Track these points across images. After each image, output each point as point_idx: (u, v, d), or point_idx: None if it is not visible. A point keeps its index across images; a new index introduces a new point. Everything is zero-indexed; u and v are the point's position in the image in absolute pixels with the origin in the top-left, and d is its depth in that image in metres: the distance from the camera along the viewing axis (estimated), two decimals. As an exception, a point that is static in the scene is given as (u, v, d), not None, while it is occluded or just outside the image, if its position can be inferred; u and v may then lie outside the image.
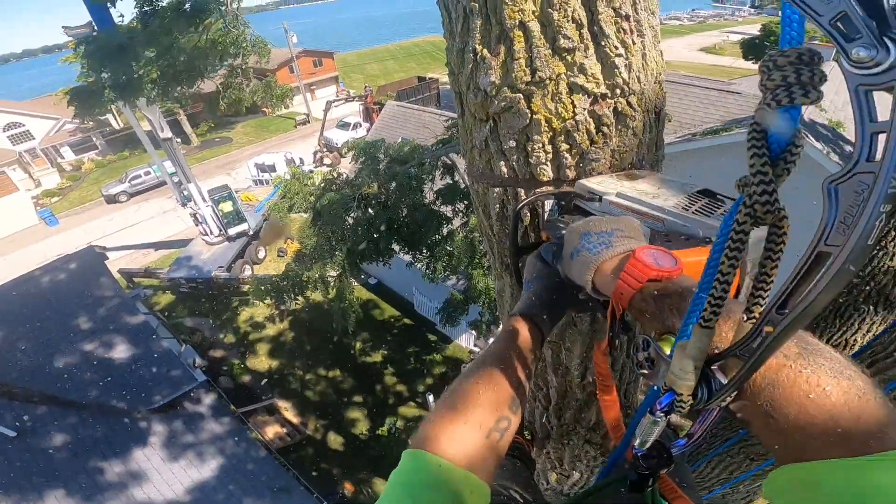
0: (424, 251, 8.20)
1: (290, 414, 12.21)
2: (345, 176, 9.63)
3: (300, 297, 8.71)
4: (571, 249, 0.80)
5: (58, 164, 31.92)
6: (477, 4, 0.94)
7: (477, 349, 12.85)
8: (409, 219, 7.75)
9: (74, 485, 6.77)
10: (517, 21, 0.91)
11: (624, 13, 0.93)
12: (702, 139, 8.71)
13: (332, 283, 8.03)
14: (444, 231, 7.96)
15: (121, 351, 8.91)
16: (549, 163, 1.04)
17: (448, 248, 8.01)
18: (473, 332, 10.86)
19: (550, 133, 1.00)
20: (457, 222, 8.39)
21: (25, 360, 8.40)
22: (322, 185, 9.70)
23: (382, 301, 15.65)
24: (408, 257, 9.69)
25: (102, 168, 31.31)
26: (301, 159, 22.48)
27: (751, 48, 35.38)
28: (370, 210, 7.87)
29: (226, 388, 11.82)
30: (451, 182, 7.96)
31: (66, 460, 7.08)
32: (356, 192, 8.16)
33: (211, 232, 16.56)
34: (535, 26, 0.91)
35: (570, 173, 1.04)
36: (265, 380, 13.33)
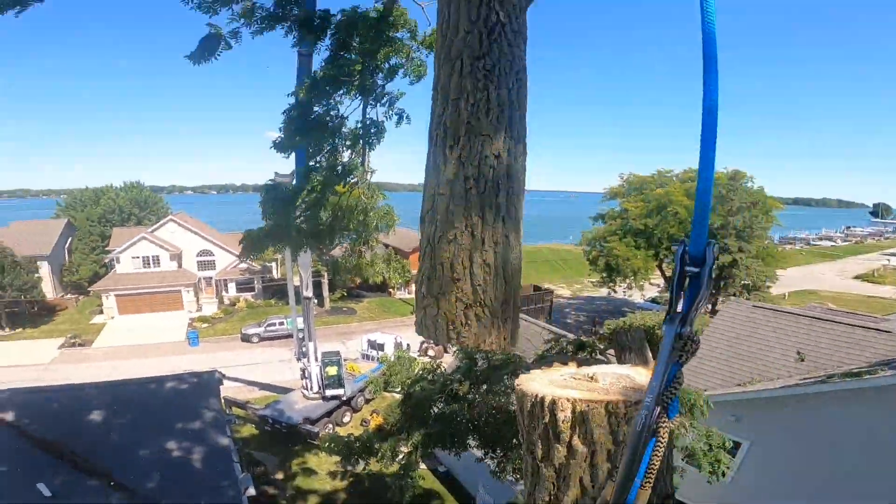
0: (498, 451, 8.12)
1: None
2: (443, 369, 10.35)
3: (367, 463, 8.82)
4: None
5: (220, 296, 38.29)
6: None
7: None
8: (492, 419, 7.93)
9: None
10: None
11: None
12: (839, 382, 7.91)
13: (400, 459, 8.09)
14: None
15: (192, 460, 9.53)
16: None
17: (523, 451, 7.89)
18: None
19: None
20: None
21: (110, 443, 9.41)
22: (420, 373, 10.49)
23: (446, 490, 15.34)
24: (480, 453, 9.51)
25: (251, 309, 36.53)
26: (409, 345, 24.10)
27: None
28: (456, 404, 8.23)
29: None
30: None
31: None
32: (447, 386, 8.72)
33: (311, 388, 17.99)
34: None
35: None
36: None
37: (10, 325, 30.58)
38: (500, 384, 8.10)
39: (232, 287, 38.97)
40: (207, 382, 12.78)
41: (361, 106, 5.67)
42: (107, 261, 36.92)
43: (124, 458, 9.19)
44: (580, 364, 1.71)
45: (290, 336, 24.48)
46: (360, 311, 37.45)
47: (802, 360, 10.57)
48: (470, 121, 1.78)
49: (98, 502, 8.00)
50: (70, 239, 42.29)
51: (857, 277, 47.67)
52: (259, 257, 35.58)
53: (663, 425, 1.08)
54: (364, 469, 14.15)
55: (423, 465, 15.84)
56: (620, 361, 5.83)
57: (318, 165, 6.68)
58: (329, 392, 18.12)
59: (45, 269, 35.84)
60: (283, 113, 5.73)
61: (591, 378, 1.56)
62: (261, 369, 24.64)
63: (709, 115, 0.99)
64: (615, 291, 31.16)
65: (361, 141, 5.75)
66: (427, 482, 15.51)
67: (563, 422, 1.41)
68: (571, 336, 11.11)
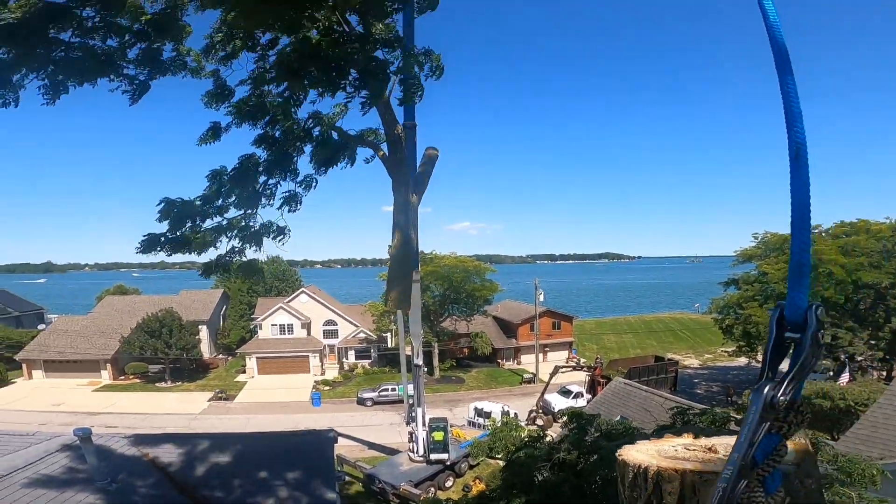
0: None
1: None
2: (550, 437, 9.79)
3: None
4: None
5: (341, 362, 41.11)
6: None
7: None
8: (600, 491, 7.24)
9: None
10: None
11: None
12: None
13: None
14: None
15: None
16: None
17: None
18: None
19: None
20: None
21: (234, 488, 10.17)
22: (525, 440, 10.05)
23: None
24: None
25: (367, 375, 38.48)
26: (516, 413, 23.19)
27: None
28: (562, 472, 7.67)
29: None
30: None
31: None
32: (553, 454, 8.20)
33: (417, 451, 18.14)
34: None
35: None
36: None
37: (172, 378, 35.93)
38: (614, 454, 7.42)
39: (351, 354, 41.85)
40: (324, 440, 13.54)
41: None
42: (252, 327, 42.23)
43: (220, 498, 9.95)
44: (697, 435, 1.55)
45: (401, 401, 25.16)
46: (469, 380, 37.26)
47: None
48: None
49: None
50: (224, 307, 49.42)
51: None
52: (377, 327, 37.97)
53: (757, 499, 0.98)
54: None
55: None
56: None
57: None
58: (434, 456, 18.11)
59: (204, 332, 41.90)
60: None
61: (709, 449, 1.40)
62: (372, 431, 25.35)
63: (797, 160, 0.99)
64: (756, 361, 28.13)
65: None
66: None
67: (669, 494, 1.28)
68: (700, 407, 9.83)
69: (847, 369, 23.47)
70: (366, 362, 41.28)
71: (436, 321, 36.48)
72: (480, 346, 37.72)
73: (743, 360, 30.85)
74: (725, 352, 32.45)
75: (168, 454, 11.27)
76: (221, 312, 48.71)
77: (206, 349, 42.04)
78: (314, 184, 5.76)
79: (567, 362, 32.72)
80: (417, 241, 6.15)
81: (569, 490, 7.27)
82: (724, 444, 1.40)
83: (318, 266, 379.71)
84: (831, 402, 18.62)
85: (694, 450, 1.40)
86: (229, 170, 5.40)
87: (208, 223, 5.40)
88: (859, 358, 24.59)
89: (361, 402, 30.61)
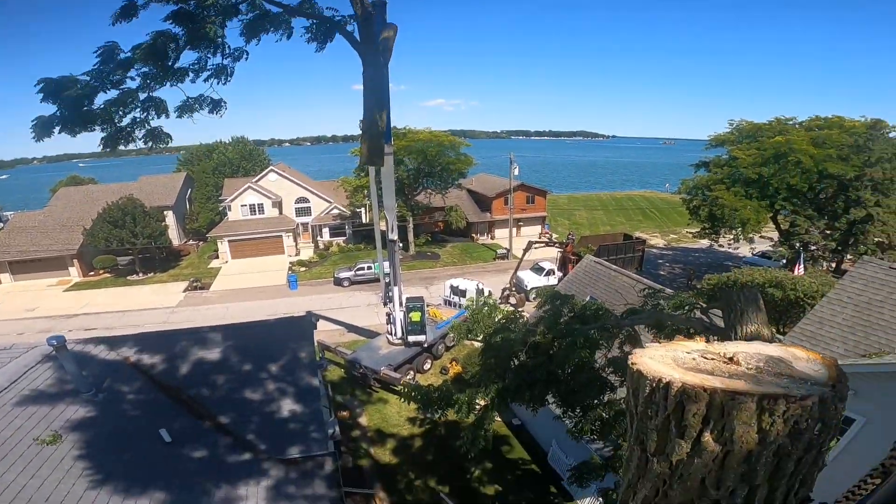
0: (577, 410, 7.91)
1: (386, 508, 12.26)
2: (525, 319, 9.95)
3: (444, 414, 8.96)
4: None
5: (316, 241, 41.13)
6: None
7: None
8: (572, 377, 7.56)
9: (182, 489, 7.93)
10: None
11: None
12: None
13: (476, 410, 8.10)
14: (605, 398, 7.70)
15: (287, 403, 10.50)
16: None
17: (604, 414, 7.72)
18: (601, 499, 10.11)
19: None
20: (621, 393, 7.76)
21: (218, 387, 10.56)
22: (502, 321, 10.17)
23: (517, 442, 15.48)
24: (558, 410, 9.21)
25: (343, 253, 38.91)
26: (490, 292, 23.97)
27: None
28: (538, 358, 7.87)
29: (343, 466, 12.67)
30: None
31: (190, 471, 8.37)
32: (529, 337, 8.32)
33: (395, 334, 18.70)
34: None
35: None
36: (379, 471, 14.06)
37: (143, 269, 35.50)
38: (586, 339, 7.53)
39: (326, 232, 41.65)
40: (303, 326, 13.77)
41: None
42: (221, 209, 40.92)
43: (230, 401, 10.25)
44: (709, 340, 1.36)
45: (377, 281, 25.51)
46: (444, 255, 38.20)
47: None
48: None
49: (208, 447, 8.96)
50: (189, 190, 47.34)
51: None
52: (350, 203, 37.72)
53: None
54: (440, 418, 14.70)
55: (498, 418, 16.11)
56: (727, 324, 4.98)
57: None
58: (411, 338, 18.68)
59: (170, 218, 40.63)
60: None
61: (731, 360, 1.21)
62: (351, 313, 26.30)
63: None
64: (718, 244, 29.63)
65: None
66: (501, 432, 15.86)
67: (693, 415, 1.11)
68: (669, 291, 10.00)
69: (801, 258, 24.57)
70: (340, 239, 41.50)
71: (410, 195, 36.32)
72: (455, 219, 38.21)
73: (705, 243, 31.96)
74: (690, 233, 33.67)
75: (149, 356, 11.24)
76: (187, 196, 46.81)
77: (174, 236, 41.14)
78: (244, 56, 5.61)
79: (540, 237, 33.25)
80: (389, 107, 6.40)
81: (543, 375, 7.48)
82: (744, 353, 1.23)
83: (287, 144, 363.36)
84: (783, 291, 18.82)
85: (713, 359, 1.22)
86: (141, 46, 5.10)
87: (103, 97, 5.28)
88: (812, 247, 25.74)
89: (338, 282, 31.18)
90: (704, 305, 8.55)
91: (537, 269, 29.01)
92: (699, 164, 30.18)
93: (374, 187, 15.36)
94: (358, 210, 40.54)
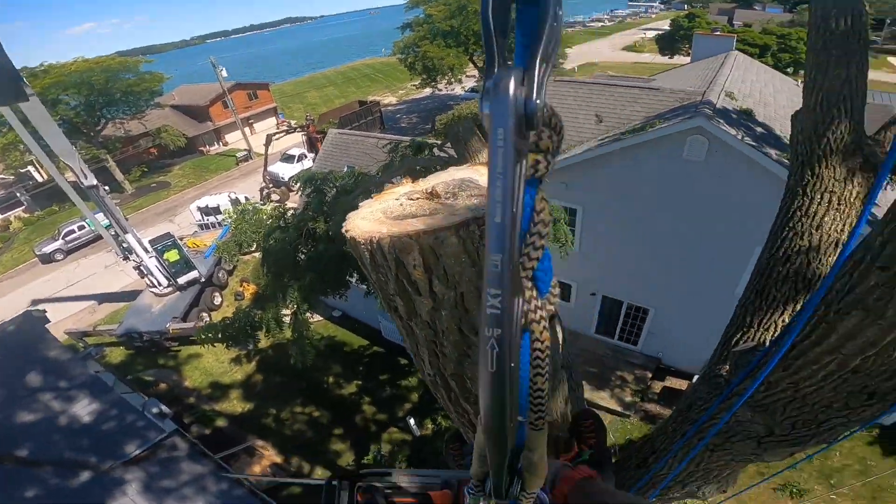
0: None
1: (272, 453, 12.00)
2: (293, 211, 9.62)
3: (258, 339, 8.59)
4: None
5: (-21, 228, 29.74)
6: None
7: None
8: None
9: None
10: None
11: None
12: (629, 137, 9.34)
13: (287, 322, 7.94)
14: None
15: (80, 409, 8.55)
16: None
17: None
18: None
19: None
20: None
21: None
22: (270, 221, 9.65)
23: (349, 332, 15.63)
24: (364, 285, 9.74)
25: (32, 226, 29.44)
26: (247, 198, 21.91)
27: (665, 43, 38.16)
28: (320, 245, 7.89)
29: (200, 436, 11.51)
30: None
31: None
32: (303, 227, 8.19)
33: (159, 283, 15.87)
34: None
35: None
36: (240, 423, 13.04)
37: None
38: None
39: (-12, 210, 30.24)
40: (27, 328, 10.69)
41: None
42: None
43: (9, 432, 7.78)
44: (414, 179, 1.29)
45: (101, 238, 20.42)
46: (174, 180, 32.69)
47: (601, 122, 11.86)
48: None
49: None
50: None
51: (624, 49, 56.26)
52: (6, 166, 27.80)
53: (537, 312, 0.54)
54: (257, 344, 13.50)
55: (317, 318, 15.91)
56: (459, 156, 5.78)
57: None
58: (182, 279, 16.22)
59: None
60: None
61: (431, 194, 1.14)
62: (89, 285, 21.02)
63: None
64: (438, 89, 33.79)
65: None
66: (328, 331, 15.77)
67: (414, 268, 1.04)
68: (408, 139, 10.81)
69: None
70: (19, 210, 31.06)
71: (93, 132, 29.83)
72: (169, 140, 32.40)
73: (428, 91, 36.07)
74: (414, 85, 36.68)
75: None
76: None
77: None
78: None
79: (278, 128, 31.15)
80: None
81: (332, 257, 7.55)
82: (441, 184, 1.18)
83: None
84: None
85: (418, 198, 1.15)
86: None
87: None
88: None
89: (47, 259, 23.90)
90: (439, 143, 9.60)
91: (288, 158, 27.69)
92: (404, 26, 32.89)
93: (29, 139, 11.46)
94: (23, 170, 31.02)
